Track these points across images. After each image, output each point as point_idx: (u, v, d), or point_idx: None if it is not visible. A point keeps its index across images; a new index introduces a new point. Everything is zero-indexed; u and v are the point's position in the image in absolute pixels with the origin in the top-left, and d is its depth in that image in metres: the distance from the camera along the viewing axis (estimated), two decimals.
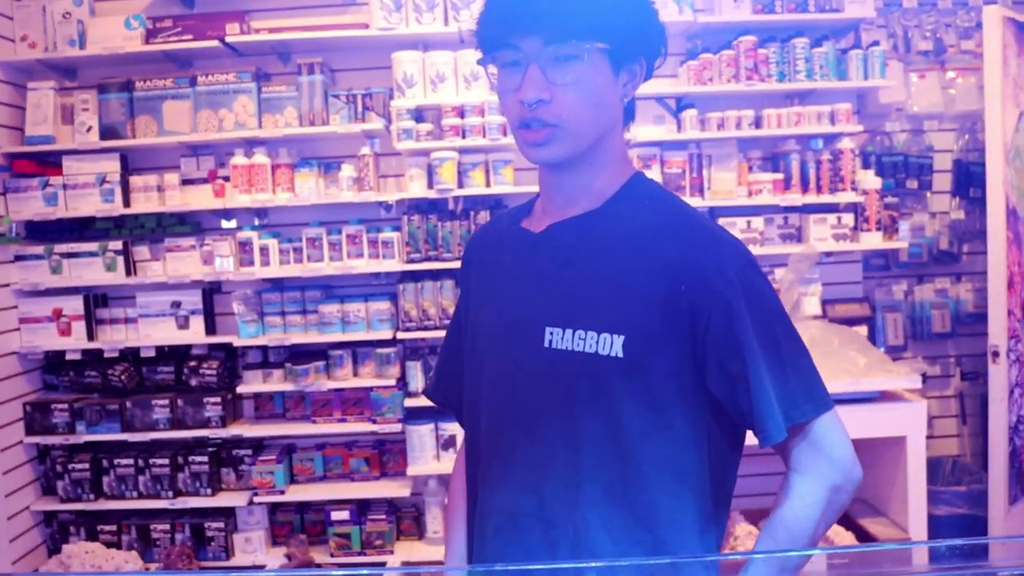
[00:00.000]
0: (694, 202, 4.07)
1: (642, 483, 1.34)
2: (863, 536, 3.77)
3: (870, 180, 4.07)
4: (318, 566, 4.01)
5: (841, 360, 3.64)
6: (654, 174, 4.05)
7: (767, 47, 4.01)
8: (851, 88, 4.09)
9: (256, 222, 4.30)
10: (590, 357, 1.33)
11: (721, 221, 4.07)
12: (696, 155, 4.10)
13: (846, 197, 4.05)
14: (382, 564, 4.04)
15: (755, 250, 4.06)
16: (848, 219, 4.07)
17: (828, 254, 4.21)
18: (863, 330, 4.10)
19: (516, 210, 1.59)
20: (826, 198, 4.08)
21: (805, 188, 4.09)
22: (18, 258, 4.13)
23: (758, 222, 4.09)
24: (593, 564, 1.24)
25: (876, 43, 4.03)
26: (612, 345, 1.32)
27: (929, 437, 4.22)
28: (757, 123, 4.08)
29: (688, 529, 1.36)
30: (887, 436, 3.67)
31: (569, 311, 1.37)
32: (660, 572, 1.34)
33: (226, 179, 4.14)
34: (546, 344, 1.38)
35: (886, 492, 3.87)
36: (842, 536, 3.74)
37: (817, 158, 4.09)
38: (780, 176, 4.09)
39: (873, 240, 4.07)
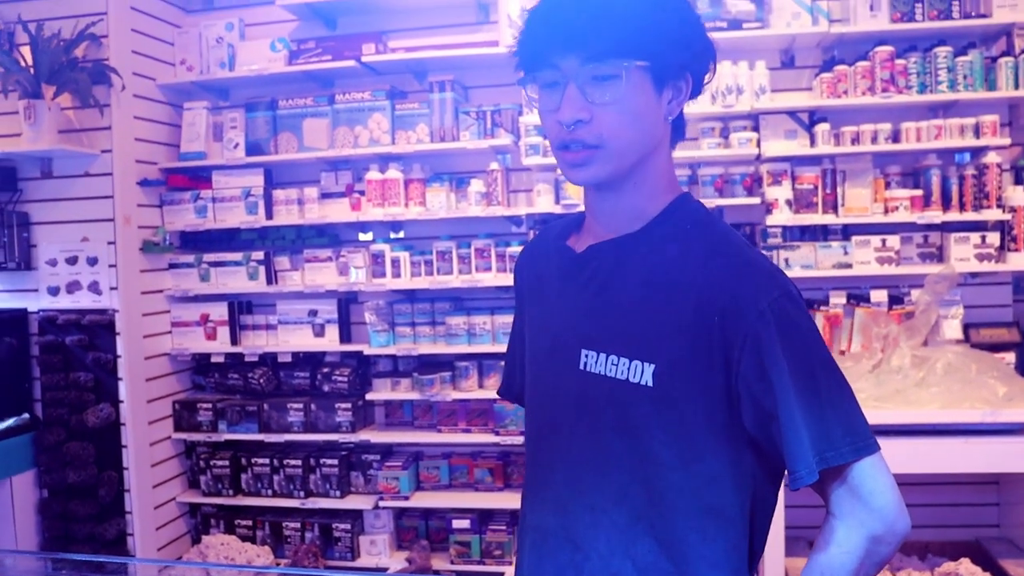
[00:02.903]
0: (826, 219, 3.95)
1: (670, 515, 1.31)
2: None
3: (1020, 196, 3.82)
4: (435, 573, 4.09)
5: (978, 388, 3.41)
6: (784, 190, 3.94)
7: (906, 57, 3.85)
8: (1000, 98, 3.86)
9: (391, 235, 4.45)
10: (620, 384, 1.31)
11: (855, 239, 3.93)
12: (829, 170, 3.96)
13: (992, 215, 3.83)
14: None
15: (890, 270, 3.89)
16: (993, 238, 3.84)
17: (973, 275, 3.98)
18: (1010, 357, 3.84)
19: (565, 224, 1.55)
20: (970, 216, 3.87)
21: (947, 205, 3.89)
22: (172, 266, 4.44)
23: (894, 240, 3.91)
24: None
25: None
26: (643, 373, 1.29)
27: None
28: (895, 137, 3.92)
29: (718, 567, 1.31)
30: None
31: (603, 335, 1.35)
32: None
33: (362, 193, 4.30)
34: (581, 366, 1.36)
35: None
36: None
37: (960, 173, 3.88)
38: (919, 192, 3.90)
39: (1021, 261, 3.81)
